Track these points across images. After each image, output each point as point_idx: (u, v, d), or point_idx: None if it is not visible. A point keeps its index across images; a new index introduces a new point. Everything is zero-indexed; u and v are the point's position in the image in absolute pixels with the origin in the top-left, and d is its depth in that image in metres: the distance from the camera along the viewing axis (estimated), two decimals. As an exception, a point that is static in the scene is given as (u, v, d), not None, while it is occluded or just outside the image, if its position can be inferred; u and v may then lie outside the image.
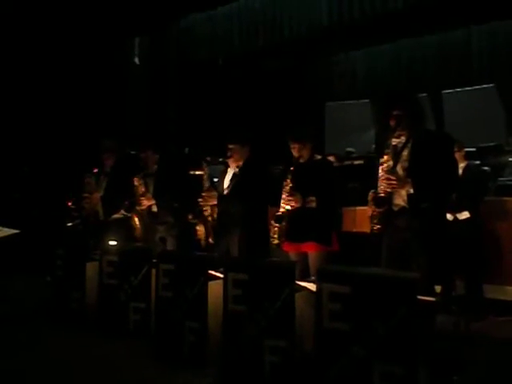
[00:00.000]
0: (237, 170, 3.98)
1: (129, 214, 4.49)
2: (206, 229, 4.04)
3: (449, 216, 4.19)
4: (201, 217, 4.06)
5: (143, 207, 4.41)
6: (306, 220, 3.46)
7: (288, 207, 3.47)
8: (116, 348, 3.37)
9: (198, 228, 4.09)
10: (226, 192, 3.99)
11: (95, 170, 4.83)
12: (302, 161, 3.60)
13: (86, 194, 4.70)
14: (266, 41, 7.01)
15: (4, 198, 6.23)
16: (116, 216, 4.60)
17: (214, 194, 3.99)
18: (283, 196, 3.50)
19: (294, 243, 3.56)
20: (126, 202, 4.47)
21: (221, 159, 4.16)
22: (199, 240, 4.09)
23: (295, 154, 3.59)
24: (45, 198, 6.19)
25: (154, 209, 4.43)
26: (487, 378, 2.78)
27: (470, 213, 4.29)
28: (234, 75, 8.09)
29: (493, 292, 4.26)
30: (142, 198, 4.39)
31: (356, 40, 7.99)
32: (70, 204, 4.96)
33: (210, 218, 4.02)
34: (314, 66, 9.03)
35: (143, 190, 4.39)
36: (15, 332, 3.74)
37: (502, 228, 4.35)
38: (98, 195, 4.75)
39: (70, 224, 5.03)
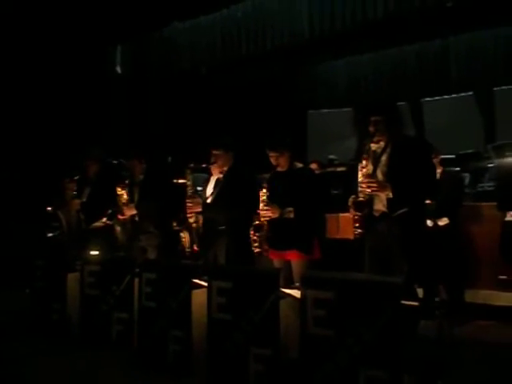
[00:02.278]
0: (220, 176, 3.98)
1: (111, 223, 4.45)
2: (190, 236, 4.03)
3: (429, 222, 4.25)
4: (185, 224, 4.04)
5: (125, 216, 4.37)
6: (288, 228, 3.46)
7: (265, 217, 3.48)
8: (99, 359, 3.32)
9: (182, 235, 4.08)
10: (209, 200, 3.98)
11: (76, 177, 4.76)
12: (280, 169, 3.61)
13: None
14: (249, 50, 7.04)
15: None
16: (97, 224, 4.54)
17: (198, 200, 3.98)
18: (260, 206, 3.50)
19: (277, 251, 3.56)
20: (109, 211, 4.42)
21: (204, 165, 4.16)
22: (184, 248, 4.07)
23: (273, 162, 3.60)
24: (23, 206, 6.07)
25: (137, 218, 4.40)
26: (471, 381, 2.80)
27: (449, 219, 4.36)
28: (216, 84, 8.11)
29: (474, 296, 4.31)
30: (125, 208, 4.36)
31: (337, 50, 8.10)
32: (48, 209, 4.85)
33: (194, 226, 4.00)
34: (296, 75, 9.12)
35: (126, 198, 4.36)
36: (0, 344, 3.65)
37: (481, 233, 4.42)
38: (78, 202, 4.69)
39: (50, 234, 4.94)
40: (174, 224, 4.25)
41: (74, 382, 3.01)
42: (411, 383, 2.33)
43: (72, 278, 3.81)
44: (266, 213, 3.46)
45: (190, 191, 4.01)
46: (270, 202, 3.48)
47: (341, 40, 7.22)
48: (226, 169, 3.96)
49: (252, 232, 3.50)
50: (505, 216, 4.21)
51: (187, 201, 3.97)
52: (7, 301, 4.64)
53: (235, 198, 3.76)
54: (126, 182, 4.42)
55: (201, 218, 4.01)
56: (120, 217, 4.37)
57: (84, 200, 4.72)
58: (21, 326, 4.03)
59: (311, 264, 3.47)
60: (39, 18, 6.89)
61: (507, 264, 4.13)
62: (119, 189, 4.35)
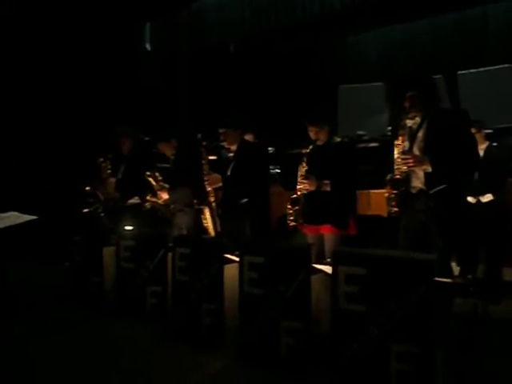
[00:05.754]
0: (231, 154, 4.00)
1: (146, 205, 4.55)
2: (211, 215, 4.07)
3: (471, 199, 4.14)
4: (206, 202, 4.08)
5: (160, 200, 4.48)
6: (323, 203, 3.45)
7: (303, 190, 3.48)
8: (135, 330, 3.43)
9: (204, 214, 4.13)
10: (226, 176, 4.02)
11: (109, 155, 4.88)
12: (319, 143, 3.59)
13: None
14: (278, 24, 6.93)
15: (22, 184, 6.32)
16: (132, 201, 4.65)
17: (216, 176, 4.01)
18: (298, 179, 3.50)
19: (311, 225, 3.57)
20: (142, 195, 4.53)
21: (215, 143, 4.19)
22: (206, 228, 4.13)
23: (312, 136, 3.59)
24: (61, 184, 6.26)
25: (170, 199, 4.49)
26: (502, 359, 2.78)
27: (494, 195, 4.22)
28: (245, 60, 8.03)
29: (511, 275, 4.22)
30: (159, 192, 4.47)
31: (369, 21, 7.86)
32: (87, 189, 5.01)
33: (214, 204, 4.05)
34: (326, 49, 8.92)
35: (160, 184, 4.45)
36: (40, 316, 3.82)
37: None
38: (113, 179, 4.82)
39: (86, 210, 5.09)
40: (195, 201, 4.31)
41: (110, 351, 3.13)
42: (443, 359, 2.32)
43: (108, 253, 3.92)
44: (303, 186, 3.46)
45: (206, 169, 4.04)
46: (309, 174, 3.48)
47: (372, 10, 7.00)
48: (234, 147, 3.96)
49: (289, 206, 3.51)
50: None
51: (204, 178, 4.00)
52: (48, 274, 4.83)
53: (245, 175, 3.78)
54: (158, 165, 4.50)
55: (219, 194, 4.04)
56: (156, 200, 4.49)
57: (119, 177, 4.84)
58: (60, 297, 4.20)
59: (343, 240, 3.46)
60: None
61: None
62: (148, 176, 4.44)
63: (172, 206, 4.46)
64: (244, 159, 3.87)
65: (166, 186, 4.48)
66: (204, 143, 4.18)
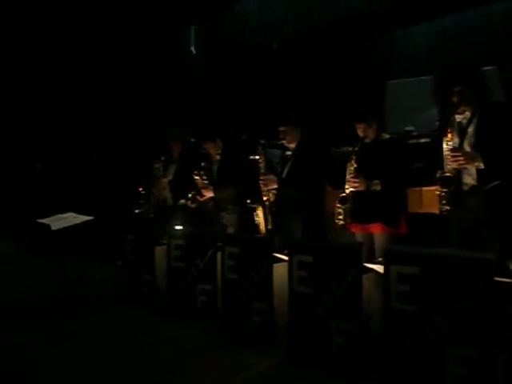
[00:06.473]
0: (289, 153, 3.97)
1: (193, 206, 4.63)
2: (264, 213, 4.07)
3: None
4: (260, 201, 4.09)
5: (204, 199, 4.57)
6: (373, 201, 3.39)
7: (352, 189, 3.43)
8: (185, 328, 3.51)
9: (257, 213, 4.14)
10: (283, 176, 4.00)
11: (162, 158, 5.04)
12: (367, 141, 3.53)
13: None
14: (322, 21, 6.87)
15: (78, 186, 6.61)
16: (183, 201, 4.76)
17: (272, 177, 3.99)
18: (347, 177, 3.45)
19: (360, 224, 3.52)
20: (189, 195, 4.62)
21: (274, 142, 4.16)
22: (258, 225, 4.13)
23: (360, 134, 3.52)
24: (115, 185, 6.50)
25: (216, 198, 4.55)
26: None
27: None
28: (289, 58, 8.01)
29: None
30: (203, 191, 4.55)
31: (415, 14, 7.65)
32: (140, 189, 5.19)
33: (267, 203, 4.04)
34: (373, 44, 8.75)
35: (203, 182, 4.51)
36: (95, 314, 3.98)
37: None
38: (165, 181, 4.97)
39: (137, 211, 5.26)
40: (248, 201, 4.32)
41: (160, 348, 3.20)
42: (503, 363, 2.23)
43: (159, 252, 4.02)
44: (352, 184, 3.41)
45: (262, 168, 4.04)
46: (358, 173, 3.43)
47: (419, 3, 6.81)
48: (293, 145, 3.93)
49: (337, 204, 3.47)
50: None
51: (260, 178, 4.00)
52: (103, 272, 5.02)
53: (304, 174, 3.74)
54: (202, 164, 4.56)
55: (273, 194, 4.02)
56: (199, 198, 4.56)
57: (170, 178, 4.98)
58: (114, 295, 4.35)
59: (394, 239, 3.39)
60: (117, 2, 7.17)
61: None
62: (195, 175, 4.51)
63: (211, 205, 4.52)
64: (303, 158, 3.84)
65: (209, 184, 4.53)
66: (262, 142, 4.17)
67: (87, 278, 4.71)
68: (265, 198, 4.01)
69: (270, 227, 4.00)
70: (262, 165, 4.03)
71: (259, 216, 4.11)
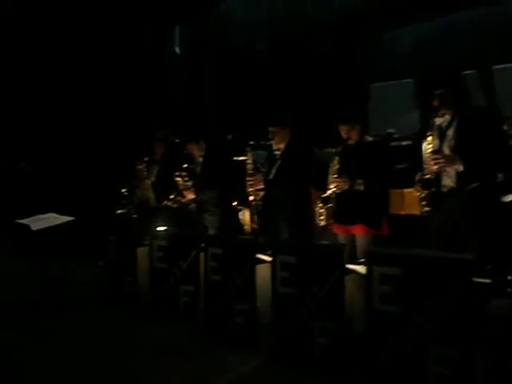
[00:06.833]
0: (278, 153, 3.98)
1: (174, 206, 4.61)
2: (250, 214, 4.07)
3: (510, 196, 4.00)
4: (246, 202, 4.09)
5: (185, 200, 4.54)
6: (355, 202, 3.42)
7: (334, 189, 3.45)
8: (167, 329, 3.48)
9: (243, 213, 4.13)
10: (271, 176, 4.00)
11: (145, 158, 5.01)
12: (350, 142, 3.56)
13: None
14: (307, 22, 6.91)
15: (60, 186, 6.52)
16: (166, 202, 4.74)
17: (259, 178, 4.00)
18: (330, 178, 3.48)
19: (342, 225, 3.54)
20: (171, 196, 4.60)
21: (263, 142, 4.17)
22: (243, 225, 4.13)
23: (344, 135, 3.55)
24: (98, 186, 6.43)
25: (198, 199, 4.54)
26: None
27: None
28: (275, 59, 8.03)
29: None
30: (185, 192, 4.53)
31: (400, 17, 7.75)
32: (123, 191, 5.16)
33: (253, 203, 4.04)
34: (358, 46, 8.82)
35: (184, 184, 4.50)
36: (76, 314, 3.93)
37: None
38: (148, 182, 4.95)
39: (120, 211, 5.22)
40: (235, 203, 4.32)
41: (142, 349, 3.18)
42: (482, 362, 2.27)
43: (142, 253, 3.99)
44: (336, 185, 3.43)
45: (250, 169, 4.04)
46: (341, 174, 3.45)
47: (405, 6, 6.90)
48: (282, 146, 3.94)
49: (319, 205, 3.49)
50: None
51: (248, 178, 4.00)
52: (84, 273, 4.95)
53: (292, 174, 3.75)
54: (185, 166, 4.54)
55: (259, 194, 4.02)
56: (181, 199, 4.55)
57: (153, 180, 4.96)
58: (95, 296, 4.29)
59: (377, 239, 3.42)
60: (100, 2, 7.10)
61: None
62: (177, 176, 4.50)
63: (193, 206, 4.51)
64: (292, 159, 3.85)
65: (191, 185, 4.52)
66: (251, 143, 4.16)
67: (68, 278, 4.64)
68: (251, 198, 4.02)
69: (255, 226, 4.01)
70: (249, 166, 4.03)
71: (245, 216, 4.11)
